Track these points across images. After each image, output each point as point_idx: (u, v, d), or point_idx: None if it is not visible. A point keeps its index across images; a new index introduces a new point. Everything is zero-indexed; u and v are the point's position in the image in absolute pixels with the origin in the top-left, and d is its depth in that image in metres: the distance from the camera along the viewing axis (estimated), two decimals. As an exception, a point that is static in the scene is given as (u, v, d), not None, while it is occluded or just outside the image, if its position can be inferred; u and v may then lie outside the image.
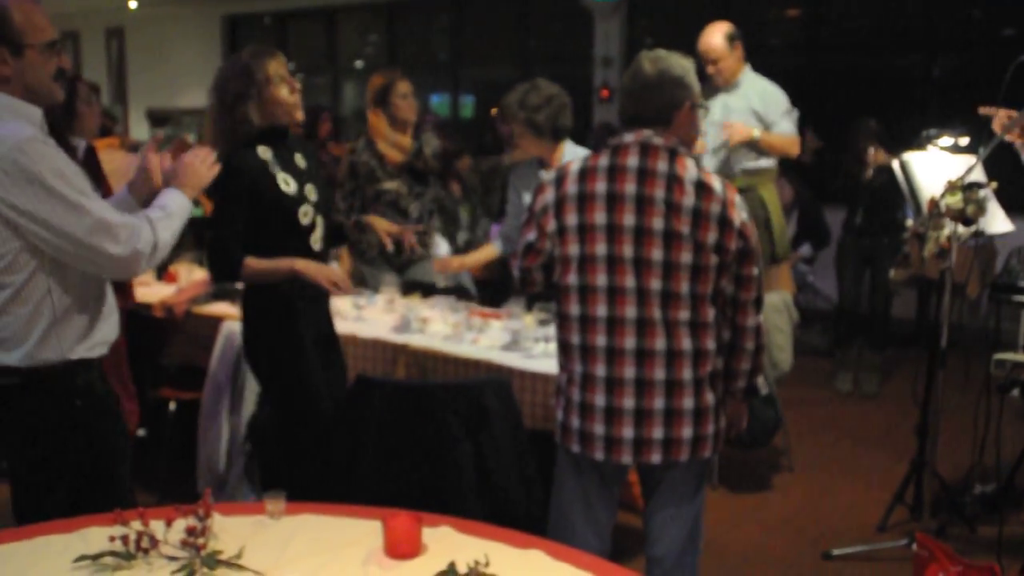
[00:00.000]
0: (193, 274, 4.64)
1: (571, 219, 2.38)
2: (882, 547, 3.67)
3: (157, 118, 12.60)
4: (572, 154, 3.81)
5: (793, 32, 8.86)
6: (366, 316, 3.91)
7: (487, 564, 1.76)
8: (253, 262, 2.92)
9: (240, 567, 1.80)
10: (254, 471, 3.71)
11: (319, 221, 3.05)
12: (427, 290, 4.27)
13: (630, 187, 2.33)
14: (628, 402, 2.36)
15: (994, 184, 3.59)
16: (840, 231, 6.13)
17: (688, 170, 2.33)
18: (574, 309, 2.41)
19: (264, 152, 2.96)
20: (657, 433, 2.36)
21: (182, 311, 4.09)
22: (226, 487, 3.77)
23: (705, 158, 4.34)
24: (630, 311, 2.34)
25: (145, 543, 1.82)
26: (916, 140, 5.79)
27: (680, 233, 2.29)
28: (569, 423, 2.46)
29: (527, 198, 3.99)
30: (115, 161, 4.20)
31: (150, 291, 4.42)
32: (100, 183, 3.40)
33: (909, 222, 3.92)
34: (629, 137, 2.38)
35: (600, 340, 2.37)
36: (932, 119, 7.40)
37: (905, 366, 5.95)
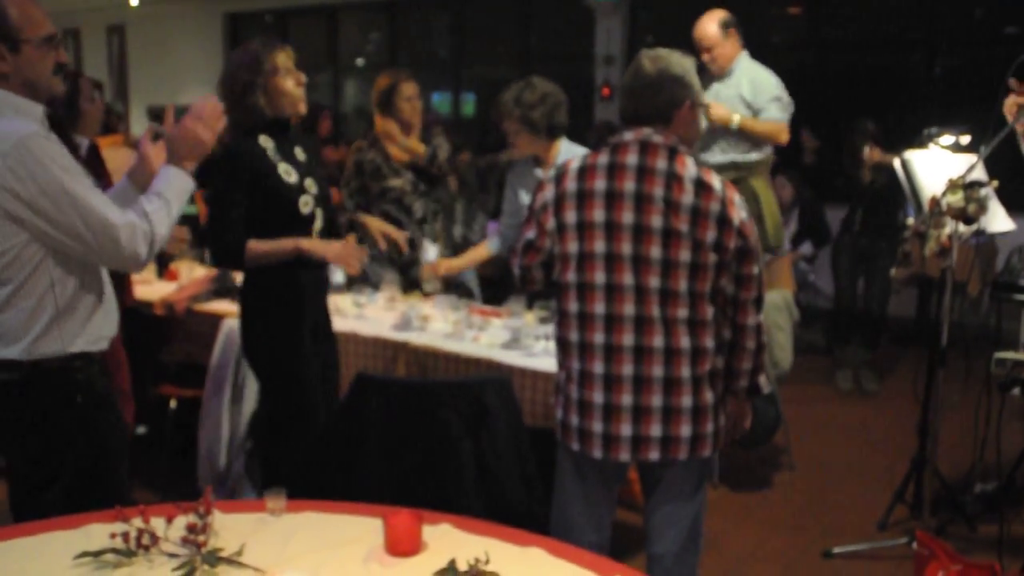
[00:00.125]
0: (194, 272, 4.65)
1: (570, 217, 2.38)
2: (883, 545, 3.68)
3: (158, 115, 12.58)
4: (568, 152, 3.83)
5: (795, 30, 8.86)
6: (367, 314, 3.91)
7: (487, 562, 1.76)
8: (255, 244, 2.96)
9: (241, 564, 1.80)
10: (255, 468, 3.71)
11: (319, 213, 3.07)
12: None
13: (629, 185, 2.33)
14: (626, 399, 2.36)
15: (995, 182, 3.59)
16: (839, 229, 6.14)
17: (688, 168, 2.33)
18: (573, 306, 2.41)
19: (265, 141, 3.00)
20: (655, 431, 2.36)
21: (183, 308, 4.10)
22: (227, 484, 3.77)
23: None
24: (628, 308, 2.34)
25: (146, 540, 1.82)
26: (917, 138, 5.79)
27: (679, 231, 2.29)
28: (568, 421, 2.46)
29: (523, 196, 4.01)
30: (119, 159, 4.20)
31: (151, 289, 4.42)
32: (103, 180, 3.40)
33: (910, 221, 3.91)
34: (629, 135, 2.39)
35: (598, 337, 2.37)
36: (933, 117, 7.39)
37: (906, 364, 5.95)
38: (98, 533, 1.88)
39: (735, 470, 4.46)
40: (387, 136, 4.31)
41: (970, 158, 3.70)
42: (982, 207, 3.44)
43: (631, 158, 2.35)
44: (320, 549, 1.88)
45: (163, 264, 4.70)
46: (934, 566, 2.90)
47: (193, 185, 2.42)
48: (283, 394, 3.09)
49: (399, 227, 4.31)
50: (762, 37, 8.68)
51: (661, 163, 2.33)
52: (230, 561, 1.80)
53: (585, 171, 2.39)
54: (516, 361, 3.28)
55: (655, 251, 2.31)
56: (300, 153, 3.11)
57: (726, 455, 4.35)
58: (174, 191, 2.36)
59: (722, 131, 4.35)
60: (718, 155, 4.37)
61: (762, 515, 4.07)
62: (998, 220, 3.74)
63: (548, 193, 2.44)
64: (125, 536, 1.82)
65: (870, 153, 5.70)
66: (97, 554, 1.80)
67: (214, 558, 1.80)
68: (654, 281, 2.32)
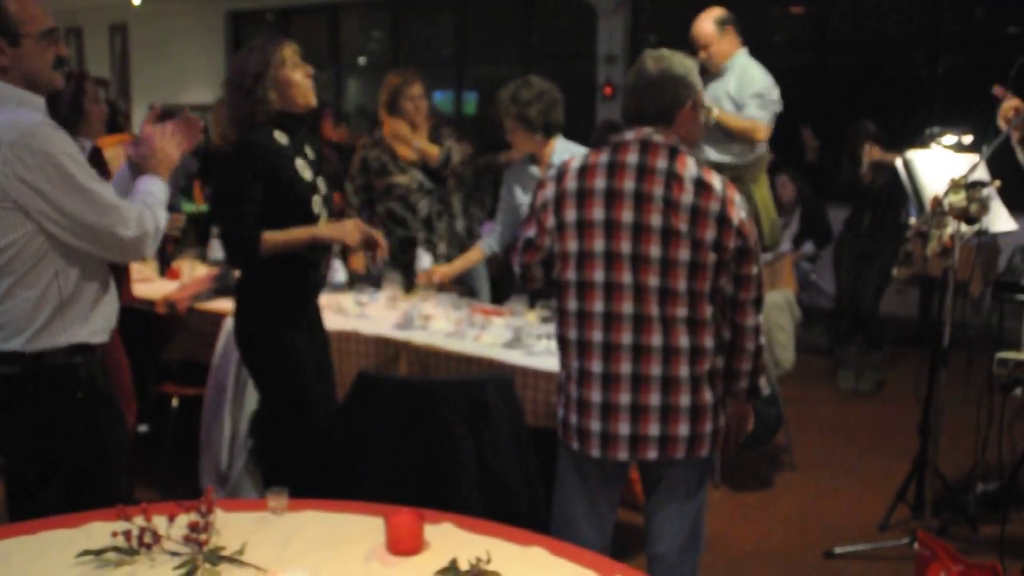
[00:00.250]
0: (196, 270, 4.65)
1: (570, 215, 2.39)
2: (884, 546, 3.67)
3: (160, 114, 12.60)
4: (564, 150, 3.87)
5: (797, 30, 8.85)
6: (368, 313, 3.91)
7: (489, 561, 1.76)
8: (270, 235, 2.93)
9: (242, 563, 1.80)
10: (256, 467, 3.71)
11: (324, 213, 3.08)
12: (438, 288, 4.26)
13: (629, 184, 2.33)
14: (624, 398, 2.36)
15: (997, 182, 3.59)
16: (841, 229, 6.13)
17: (688, 168, 2.33)
18: (572, 305, 2.41)
19: (281, 137, 2.99)
20: (653, 430, 2.36)
21: (184, 307, 4.10)
22: (228, 483, 3.78)
23: None
24: (627, 307, 2.34)
25: (148, 539, 1.83)
26: (919, 138, 5.78)
27: (678, 230, 2.30)
28: (568, 419, 2.47)
29: (519, 194, 4.03)
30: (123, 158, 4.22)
31: (153, 287, 4.42)
32: (105, 180, 3.41)
33: (912, 220, 3.91)
34: (630, 134, 2.39)
35: (597, 336, 2.38)
36: (935, 117, 7.38)
37: (907, 364, 5.95)
38: (100, 531, 1.88)
39: (736, 470, 4.46)
40: (396, 136, 4.30)
41: (972, 158, 3.69)
42: (984, 207, 3.43)
43: (631, 157, 2.35)
44: (321, 548, 1.88)
45: (165, 262, 4.70)
46: (935, 567, 2.90)
47: (168, 191, 2.47)
48: (279, 391, 3.09)
49: (404, 226, 4.31)
50: (764, 36, 8.67)
51: (661, 162, 2.33)
52: (232, 560, 1.81)
53: (585, 170, 2.39)
54: (518, 360, 3.28)
55: (654, 250, 2.31)
56: (310, 152, 3.11)
57: (727, 455, 4.36)
58: (159, 193, 2.42)
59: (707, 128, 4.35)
60: (713, 155, 4.36)
61: (763, 515, 4.07)
62: (1000, 220, 3.74)
63: (548, 191, 2.45)
64: (127, 535, 1.82)
65: (869, 151, 5.69)
66: (99, 552, 1.80)
67: (216, 557, 1.80)
68: (653, 280, 2.32)
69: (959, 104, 7.46)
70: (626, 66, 8.34)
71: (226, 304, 4.03)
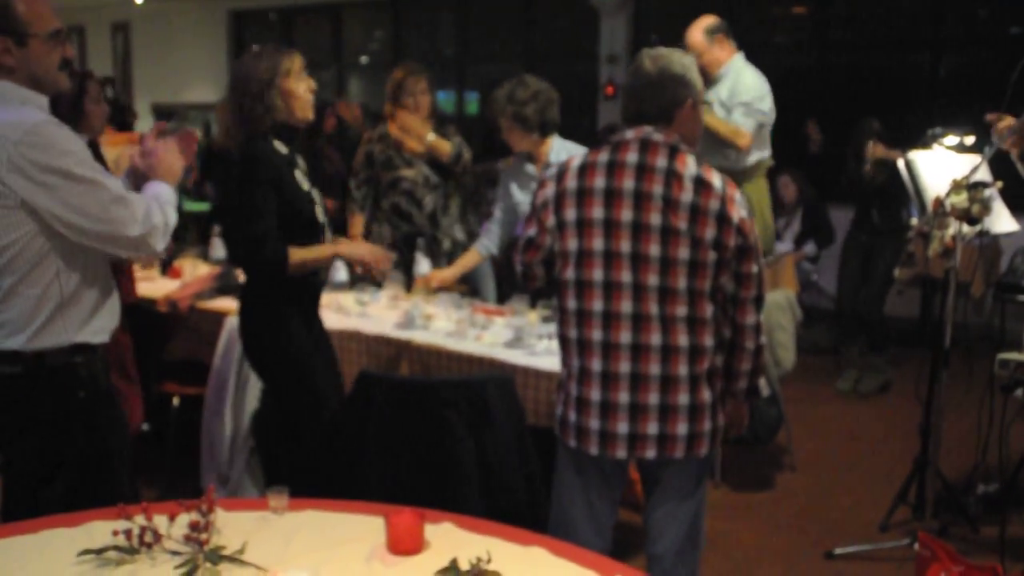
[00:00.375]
0: (197, 269, 4.65)
1: (570, 214, 2.39)
2: (884, 547, 3.67)
3: (163, 113, 12.62)
4: (560, 148, 3.90)
5: (799, 30, 8.85)
6: (370, 312, 3.91)
7: (489, 561, 1.76)
8: (297, 252, 2.93)
9: (243, 562, 1.80)
10: (257, 467, 3.72)
11: (326, 221, 3.09)
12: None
13: (628, 183, 2.33)
14: (623, 397, 2.36)
15: (999, 183, 3.58)
16: (848, 229, 6.12)
17: (688, 166, 2.33)
18: (572, 303, 2.42)
19: (280, 147, 2.99)
20: (652, 428, 2.36)
21: (186, 306, 4.10)
22: (229, 482, 3.78)
23: None
24: (626, 306, 2.34)
25: (148, 538, 1.83)
26: (922, 139, 5.78)
27: (677, 229, 2.30)
28: (567, 417, 2.48)
29: (516, 192, 4.05)
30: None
31: (154, 286, 4.43)
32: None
33: (914, 221, 3.91)
34: (630, 133, 2.40)
35: (596, 335, 2.38)
36: (938, 118, 7.39)
37: (909, 365, 5.94)
38: (101, 530, 1.88)
39: (737, 470, 4.46)
40: (405, 129, 4.27)
41: (974, 158, 3.69)
42: (986, 208, 3.44)
43: (631, 156, 2.36)
44: (322, 548, 1.88)
45: (167, 262, 4.70)
46: (936, 567, 2.90)
47: (175, 197, 2.49)
48: (288, 391, 3.08)
49: (409, 221, 4.30)
50: (767, 37, 8.68)
51: (661, 161, 2.34)
52: (232, 559, 1.81)
53: (585, 169, 2.40)
54: (519, 360, 3.28)
55: (654, 249, 2.31)
56: (302, 162, 3.12)
57: (728, 455, 4.36)
58: (167, 195, 2.43)
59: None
60: (706, 159, 4.35)
61: (763, 515, 4.07)
62: (1002, 221, 3.74)
63: (549, 190, 2.45)
64: (128, 534, 1.82)
65: (873, 148, 5.69)
66: (100, 551, 1.80)
67: (216, 556, 1.81)
68: (653, 279, 2.32)
69: (961, 105, 7.46)
70: (628, 66, 8.34)
71: (228, 303, 4.04)
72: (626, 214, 2.33)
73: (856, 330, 5.97)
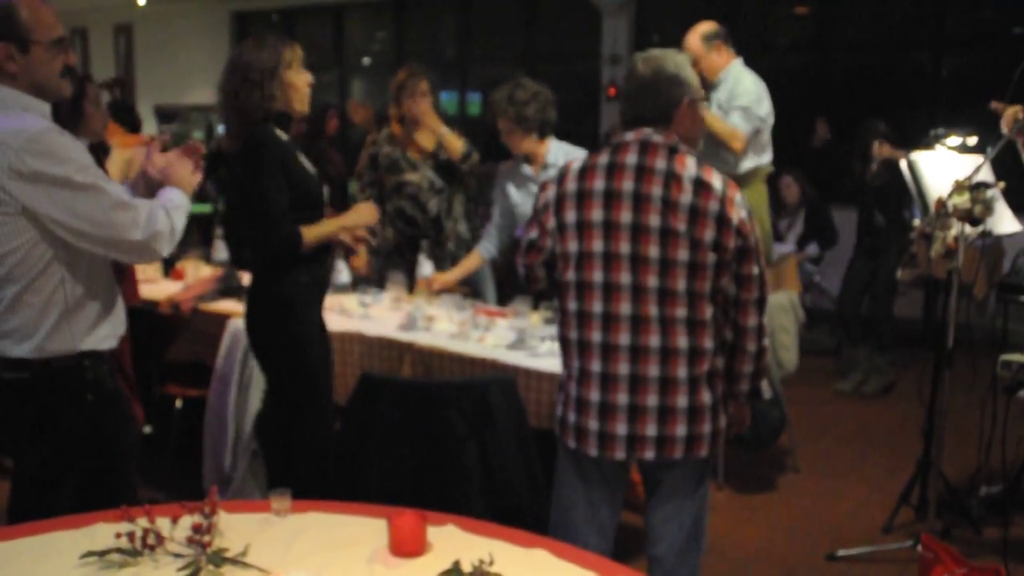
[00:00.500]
0: (200, 271, 4.66)
1: (570, 216, 2.40)
2: (887, 548, 3.67)
3: (165, 115, 12.64)
4: (557, 150, 3.95)
5: (801, 31, 8.84)
6: (372, 314, 3.91)
7: (492, 563, 1.76)
8: (308, 231, 2.95)
9: (245, 564, 1.80)
10: (260, 468, 3.72)
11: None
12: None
13: (628, 184, 2.34)
14: (622, 398, 2.37)
15: (1002, 184, 3.58)
16: (854, 234, 6.10)
17: (687, 168, 2.33)
18: (572, 305, 2.43)
19: (280, 133, 3.00)
20: (650, 430, 2.37)
21: (189, 308, 4.10)
22: (232, 484, 3.78)
23: None
24: (625, 308, 2.35)
25: (151, 540, 1.83)
26: (924, 139, 5.77)
27: (676, 230, 2.30)
28: (567, 418, 2.48)
29: (513, 194, 4.08)
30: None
31: (157, 288, 4.43)
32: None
33: (916, 222, 3.91)
34: (629, 135, 2.41)
35: (596, 336, 2.39)
36: (940, 118, 7.38)
37: (911, 366, 5.94)
38: (104, 533, 1.89)
39: (739, 472, 4.46)
40: (420, 118, 4.22)
41: (976, 159, 3.69)
42: (988, 208, 3.43)
43: (630, 158, 2.36)
44: (325, 550, 1.88)
45: (169, 263, 4.71)
46: (939, 570, 2.90)
47: (190, 205, 2.49)
48: (297, 392, 3.09)
49: (413, 224, 4.30)
50: (769, 38, 8.67)
51: (660, 162, 2.34)
52: (235, 561, 1.81)
53: (585, 171, 2.41)
54: (521, 362, 3.28)
55: (653, 250, 2.32)
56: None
57: (731, 457, 4.36)
58: (180, 201, 2.43)
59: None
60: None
61: (766, 517, 4.07)
62: (1005, 221, 3.73)
63: (550, 193, 2.47)
64: (131, 536, 1.82)
65: (879, 149, 5.69)
66: (103, 554, 1.81)
67: (219, 558, 1.81)
68: (652, 280, 2.32)
69: (964, 105, 7.45)
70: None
71: (230, 305, 4.04)
72: (625, 216, 2.33)
73: (858, 332, 5.97)
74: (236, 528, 1.95)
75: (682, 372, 2.35)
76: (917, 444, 3.94)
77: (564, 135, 4.14)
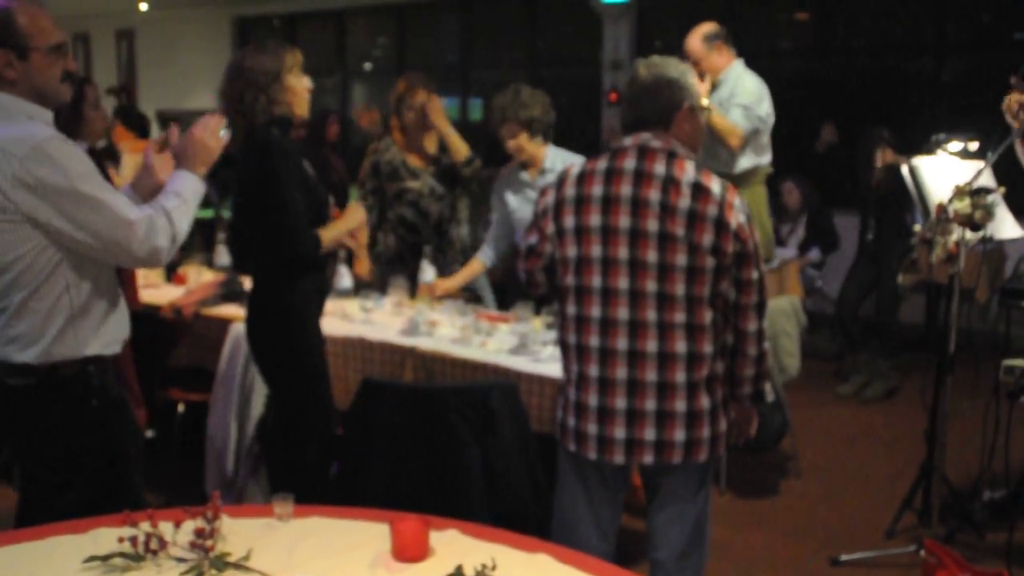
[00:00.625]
0: (202, 276, 4.66)
1: (569, 221, 2.41)
2: (890, 553, 3.66)
3: (167, 120, 12.66)
4: (555, 155, 3.98)
5: (802, 36, 8.85)
6: (374, 319, 3.91)
7: (494, 568, 1.76)
8: (324, 235, 2.99)
9: (248, 569, 1.80)
10: (262, 473, 3.72)
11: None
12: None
13: (626, 189, 2.35)
14: (620, 402, 2.37)
15: (1003, 189, 3.58)
16: (856, 239, 6.10)
17: (686, 172, 2.34)
18: (571, 309, 2.44)
19: (285, 140, 3.01)
20: (649, 434, 2.37)
21: (191, 313, 4.10)
22: (234, 489, 3.78)
23: None
24: (622, 312, 2.35)
25: (154, 545, 1.83)
26: (925, 145, 5.77)
27: (674, 235, 2.30)
28: (566, 422, 2.50)
29: (510, 199, 4.10)
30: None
31: (159, 293, 4.43)
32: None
33: (917, 227, 3.91)
34: (628, 140, 2.42)
35: (594, 340, 2.39)
36: (941, 123, 7.38)
37: (914, 371, 5.94)
38: (106, 537, 1.89)
39: (742, 476, 4.46)
40: (435, 111, 4.21)
41: (977, 164, 3.69)
42: (989, 214, 3.43)
43: (629, 163, 2.37)
44: (327, 554, 1.89)
45: (171, 268, 4.71)
46: (942, 574, 2.90)
47: (204, 188, 2.46)
48: (299, 397, 3.09)
49: (415, 231, 4.31)
50: (770, 43, 8.67)
51: (659, 167, 2.34)
52: (237, 566, 1.81)
53: (584, 176, 2.42)
54: (523, 367, 3.28)
55: (651, 255, 2.32)
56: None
57: (733, 461, 4.35)
58: (190, 191, 2.41)
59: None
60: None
61: (769, 522, 4.06)
62: (1006, 227, 3.74)
63: (549, 199, 2.48)
64: (133, 540, 1.83)
65: (882, 155, 5.69)
66: (105, 558, 1.81)
67: (221, 563, 1.81)
68: (651, 285, 2.33)
69: (965, 110, 7.45)
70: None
71: (232, 310, 4.05)
72: (624, 220, 2.34)
73: (858, 336, 5.96)
74: (239, 533, 1.95)
75: (680, 377, 2.35)
76: (920, 449, 3.93)
77: (565, 140, 4.15)
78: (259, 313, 3.08)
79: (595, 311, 2.39)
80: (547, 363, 3.27)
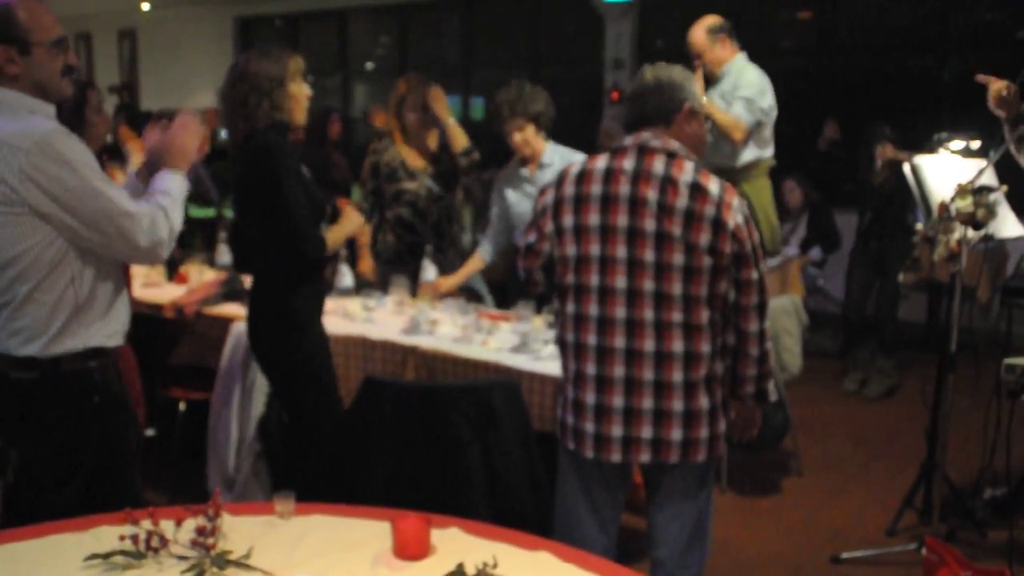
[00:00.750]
0: (203, 275, 4.66)
1: (567, 220, 2.42)
2: (891, 551, 3.66)
3: (169, 119, 12.66)
4: (552, 151, 4.02)
5: (804, 34, 8.85)
6: (376, 318, 3.92)
7: (495, 566, 1.76)
8: (328, 238, 3.00)
9: (249, 567, 1.81)
10: (263, 471, 3.72)
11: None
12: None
13: (624, 188, 2.36)
14: (617, 401, 2.38)
15: (1005, 187, 3.58)
16: (853, 238, 6.11)
17: (684, 172, 2.35)
18: (569, 308, 2.45)
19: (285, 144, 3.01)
20: (646, 433, 2.37)
21: (192, 311, 4.11)
22: (235, 487, 3.78)
23: None
24: (620, 311, 2.36)
25: (155, 543, 1.83)
26: (927, 143, 5.77)
27: (671, 234, 2.31)
28: (565, 420, 2.51)
29: (510, 195, 4.13)
30: None
31: (161, 292, 4.44)
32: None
33: (919, 226, 3.91)
34: (628, 140, 2.43)
35: (591, 339, 2.40)
36: (944, 122, 7.37)
37: (915, 369, 5.94)
38: (107, 535, 1.89)
39: (743, 475, 4.46)
40: (437, 100, 4.21)
41: (979, 163, 3.69)
42: (991, 212, 3.43)
43: (628, 162, 2.38)
44: (328, 552, 1.89)
45: (173, 267, 4.71)
46: (943, 572, 2.90)
47: (188, 185, 2.49)
48: (302, 397, 3.09)
49: (413, 232, 4.31)
50: (771, 41, 8.67)
51: (657, 167, 2.35)
52: (239, 564, 1.81)
53: (583, 176, 2.43)
54: (524, 365, 3.28)
55: (648, 254, 2.33)
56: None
57: (734, 460, 4.35)
58: (177, 190, 2.43)
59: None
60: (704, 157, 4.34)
61: (770, 520, 4.06)
62: (1008, 225, 3.74)
63: (548, 198, 2.49)
64: (134, 538, 1.83)
65: (883, 150, 5.69)
66: (106, 556, 1.81)
67: (223, 561, 1.81)
68: (648, 284, 2.33)
69: (967, 109, 7.44)
70: (633, 71, 8.36)
71: (234, 308, 4.05)
72: (622, 219, 2.35)
73: (865, 335, 5.96)
74: (240, 531, 1.95)
75: (678, 376, 2.35)
76: (921, 447, 3.93)
77: (567, 140, 4.16)
78: (261, 318, 3.08)
79: (593, 310, 2.39)
80: (548, 362, 3.28)
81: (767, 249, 4.47)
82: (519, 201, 4.08)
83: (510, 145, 4.04)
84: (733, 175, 4.33)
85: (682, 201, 2.31)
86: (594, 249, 2.38)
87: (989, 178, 3.55)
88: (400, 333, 3.68)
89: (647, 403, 2.36)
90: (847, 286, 6.13)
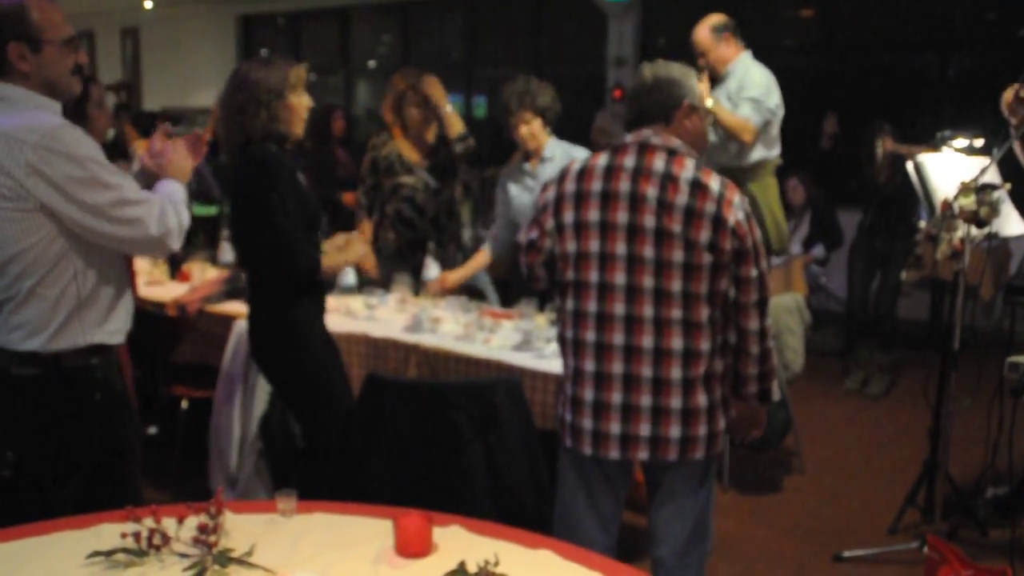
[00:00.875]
0: (206, 273, 4.66)
1: (568, 217, 2.43)
2: (893, 550, 3.66)
3: (171, 117, 12.67)
4: (554, 145, 4.03)
5: (806, 32, 8.84)
6: (378, 316, 3.92)
7: (497, 564, 1.76)
8: (326, 259, 3.02)
9: (251, 565, 1.81)
10: (265, 469, 3.72)
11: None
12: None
13: (624, 185, 2.36)
14: (615, 397, 2.38)
15: (1008, 185, 3.57)
16: (854, 233, 6.11)
17: (685, 169, 2.35)
18: (569, 304, 2.45)
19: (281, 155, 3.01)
20: (644, 430, 2.37)
21: (195, 309, 4.11)
22: (238, 485, 3.79)
23: None
24: (619, 308, 2.36)
25: (157, 540, 1.83)
26: (930, 141, 5.77)
27: (671, 231, 2.31)
28: (564, 417, 2.51)
29: (513, 190, 4.14)
30: None
31: (163, 290, 4.44)
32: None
33: (922, 223, 3.90)
34: (629, 137, 2.44)
35: (590, 336, 2.40)
36: (946, 120, 7.36)
37: (917, 368, 5.93)
38: (109, 533, 1.89)
39: (745, 473, 4.46)
40: (434, 90, 4.21)
41: (983, 161, 3.68)
42: (994, 210, 3.42)
43: (628, 160, 2.39)
44: (330, 550, 1.89)
45: (175, 265, 4.72)
46: (945, 571, 2.89)
47: (187, 193, 2.52)
48: (304, 397, 3.09)
49: (411, 227, 4.32)
50: (774, 40, 8.66)
51: (658, 164, 2.35)
52: (240, 562, 1.81)
53: (584, 172, 2.44)
54: (526, 363, 3.28)
55: (648, 251, 2.33)
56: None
57: (736, 458, 4.35)
58: (179, 196, 2.46)
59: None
60: (712, 157, 4.34)
61: (772, 518, 4.06)
62: (1011, 223, 3.73)
63: (549, 194, 2.50)
64: (136, 536, 1.83)
65: (883, 143, 5.68)
66: (108, 554, 1.81)
67: (225, 558, 1.81)
68: (648, 281, 2.33)
69: (970, 107, 7.43)
70: (636, 69, 8.35)
71: (236, 307, 4.05)
72: (621, 216, 2.35)
73: (865, 332, 5.96)
74: (242, 528, 1.95)
75: (676, 373, 2.35)
76: (923, 445, 3.93)
77: (569, 137, 4.16)
78: (261, 330, 3.08)
79: (592, 306, 2.39)
80: (550, 359, 3.28)
81: (774, 249, 4.47)
82: (520, 194, 4.10)
83: (515, 138, 4.03)
84: (740, 175, 4.32)
85: (682, 198, 2.31)
86: (594, 245, 2.38)
87: (992, 176, 3.54)
88: (402, 331, 3.68)
89: (645, 400, 2.36)
90: (849, 280, 6.13)
